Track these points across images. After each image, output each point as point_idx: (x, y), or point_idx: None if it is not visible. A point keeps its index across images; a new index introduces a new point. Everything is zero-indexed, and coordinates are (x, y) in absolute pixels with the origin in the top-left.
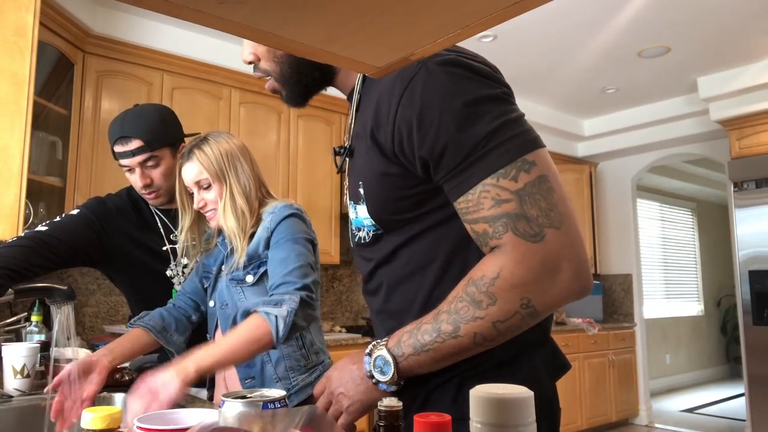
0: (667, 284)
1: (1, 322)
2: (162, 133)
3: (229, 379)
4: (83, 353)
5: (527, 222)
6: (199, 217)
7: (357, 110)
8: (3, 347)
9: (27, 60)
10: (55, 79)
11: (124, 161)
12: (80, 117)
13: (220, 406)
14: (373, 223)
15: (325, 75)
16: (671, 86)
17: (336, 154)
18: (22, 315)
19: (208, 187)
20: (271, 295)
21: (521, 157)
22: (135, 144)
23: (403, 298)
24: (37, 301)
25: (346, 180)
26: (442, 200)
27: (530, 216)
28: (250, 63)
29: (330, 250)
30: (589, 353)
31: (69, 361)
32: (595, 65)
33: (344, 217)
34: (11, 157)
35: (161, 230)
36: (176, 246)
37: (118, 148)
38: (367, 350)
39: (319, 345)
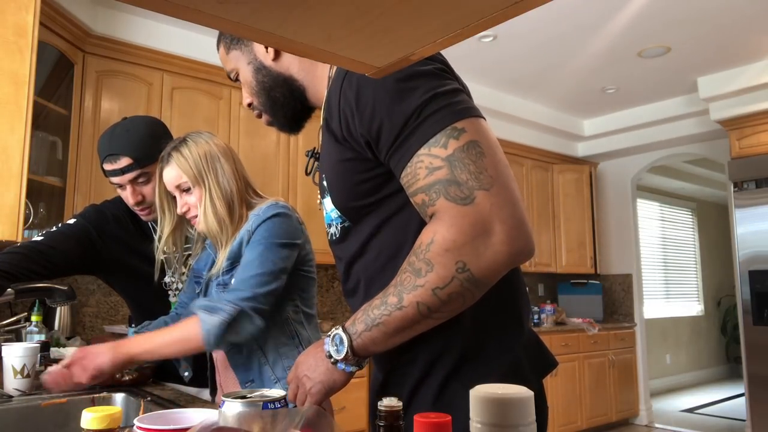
0: (667, 284)
1: (1, 322)
2: (151, 148)
3: (228, 386)
4: None
5: (458, 186)
6: (181, 222)
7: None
8: (3, 347)
9: (27, 60)
10: (55, 79)
11: (113, 179)
12: (80, 117)
13: (220, 406)
14: (339, 214)
15: (293, 92)
16: (671, 86)
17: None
18: (22, 315)
19: (189, 190)
20: (221, 295)
21: (451, 125)
22: (124, 162)
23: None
24: (37, 301)
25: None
26: (399, 183)
27: (460, 180)
28: (249, 105)
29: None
30: (589, 353)
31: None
32: (595, 65)
33: None
34: (11, 157)
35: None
36: (167, 255)
37: (107, 166)
38: (329, 332)
39: None
